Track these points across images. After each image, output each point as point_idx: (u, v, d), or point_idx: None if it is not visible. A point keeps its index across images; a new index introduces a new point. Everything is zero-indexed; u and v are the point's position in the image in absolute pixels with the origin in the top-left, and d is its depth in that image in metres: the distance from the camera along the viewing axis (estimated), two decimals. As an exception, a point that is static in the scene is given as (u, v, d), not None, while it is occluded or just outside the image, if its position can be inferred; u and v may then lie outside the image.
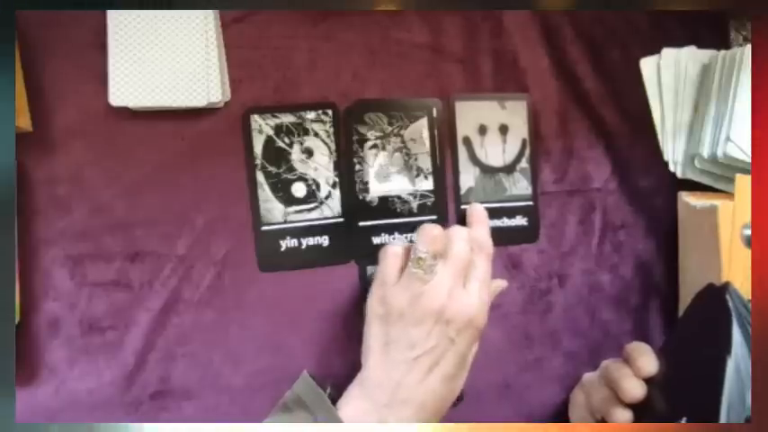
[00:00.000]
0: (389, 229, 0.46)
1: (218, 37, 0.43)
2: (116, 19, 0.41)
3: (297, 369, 0.45)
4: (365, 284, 0.46)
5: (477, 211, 0.44)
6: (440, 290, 0.37)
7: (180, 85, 0.42)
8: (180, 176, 0.44)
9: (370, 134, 0.46)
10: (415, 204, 0.47)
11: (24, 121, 0.40)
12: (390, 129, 0.46)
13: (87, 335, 0.42)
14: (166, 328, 0.43)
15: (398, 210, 0.46)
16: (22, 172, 0.41)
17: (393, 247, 0.40)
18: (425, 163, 0.47)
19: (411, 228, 0.47)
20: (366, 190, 0.46)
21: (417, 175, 0.47)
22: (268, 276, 0.45)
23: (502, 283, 0.44)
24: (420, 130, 0.47)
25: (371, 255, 0.46)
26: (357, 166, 0.46)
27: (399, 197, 0.47)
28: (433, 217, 0.47)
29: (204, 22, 0.42)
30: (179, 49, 0.42)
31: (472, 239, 0.40)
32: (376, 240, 0.46)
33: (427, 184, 0.47)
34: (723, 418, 0.32)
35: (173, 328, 0.43)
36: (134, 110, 0.42)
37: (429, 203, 0.47)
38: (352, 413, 0.36)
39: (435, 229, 0.38)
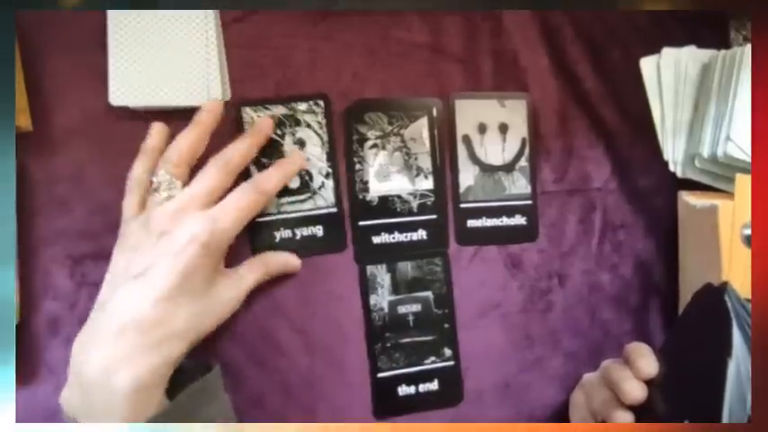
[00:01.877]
0: (390, 229, 0.46)
1: (218, 37, 0.43)
2: (116, 19, 0.41)
3: (296, 369, 0.45)
4: (365, 283, 0.46)
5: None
6: (166, 211, 0.36)
7: (180, 84, 0.42)
8: (180, 176, 0.44)
9: (370, 134, 0.46)
10: (415, 204, 0.47)
11: (24, 121, 0.40)
12: (390, 128, 0.46)
13: (87, 335, 0.42)
14: (166, 328, 0.43)
15: (398, 209, 0.46)
16: (22, 172, 0.41)
17: (130, 176, 0.39)
18: (425, 162, 0.47)
19: (412, 227, 0.47)
20: (366, 189, 0.46)
21: (417, 175, 0.47)
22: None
23: (290, 259, 0.43)
24: (420, 130, 0.47)
25: (372, 254, 0.46)
26: (357, 166, 0.46)
27: (399, 197, 0.47)
28: (434, 216, 0.47)
29: (204, 22, 0.42)
30: (179, 49, 0.42)
31: (234, 163, 0.39)
32: (376, 240, 0.46)
33: (427, 184, 0.47)
34: (725, 420, 0.32)
35: (173, 328, 0.43)
36: (134, 110, 0.42)
37: (429, 203, 0.47)
38: (62, 398, 0.35)
39: (179, 151, 0.38)
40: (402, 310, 0.46)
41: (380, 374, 0.46)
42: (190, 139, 0.39)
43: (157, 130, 0.40)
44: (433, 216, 0.47)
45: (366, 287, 0.46)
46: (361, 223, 0.46)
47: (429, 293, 0.47)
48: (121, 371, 0.32)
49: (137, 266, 0.35)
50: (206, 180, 0.37)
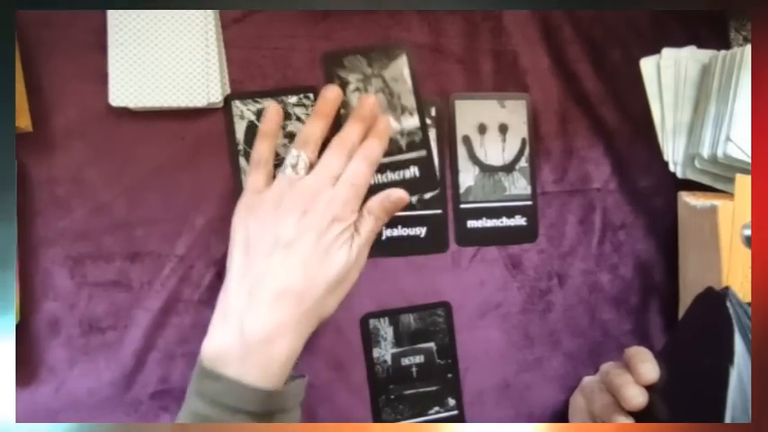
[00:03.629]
0: (380, 169, 0.46)
1: (218, 37, 0.43)
2: (116, 19, 0.41)
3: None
4: (368, 337, 0.46)
5: (367, 110, 0.42)
6: (304, 190, 0.39)
7: (180, 85, 0.42)
8: (180, 176, 0.44)
9: (351, 77, 0.46)
10: (403, 142, 0.47)
11: (24, 121, 0.40)
12: (371, 71, 0.46)
13: (87, 335, 0.42)
14: (166, 328, 0.43)
15: (388, 149, 0.45)
16: (22, 172, 0.41)
17: (257, 155, 0.41)
18: (409, 101, 0.47)
19: (401, 165, 0.47)
20: None
21: (402, 114, 0.47)
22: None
23: (400, 193, 0.42)
24: (400, 69, 0.47)
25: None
26: (341, 111, 0.45)
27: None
28: (423, 152, 0.47)
29: (204, 22, 0.42)
30: (179, 49, 0.42)
31: (352, 144, 0.41)
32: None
33: (413, 122, 0.47)
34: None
35: (172, 328, 0.43)
36: (134, 110, 0.42)
37: (417, 140, 0.47)
38: (212, 346, 0.36)
39: (313, 136, 0.41)
40: (405, 361, 0.46)
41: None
42: (319, 126, 0.42)
43: (275, 111, 0.42)
44: (423, 152, 0.47)
45: (369, 341, 0.46)
46: None
47: (432, 344, 0.47)
48: (281, 339, 0.36)
49: (283, 238, 0.38)
50: (332, 163, 0.40)
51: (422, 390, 0.46)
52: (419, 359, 0.46)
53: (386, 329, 0.46)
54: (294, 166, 0.40)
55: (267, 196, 0.40)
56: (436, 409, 0.47)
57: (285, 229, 0.38)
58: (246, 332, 0.36)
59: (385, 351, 0.46)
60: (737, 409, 0.32)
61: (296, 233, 0.38)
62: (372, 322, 0.46)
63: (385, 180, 0.46)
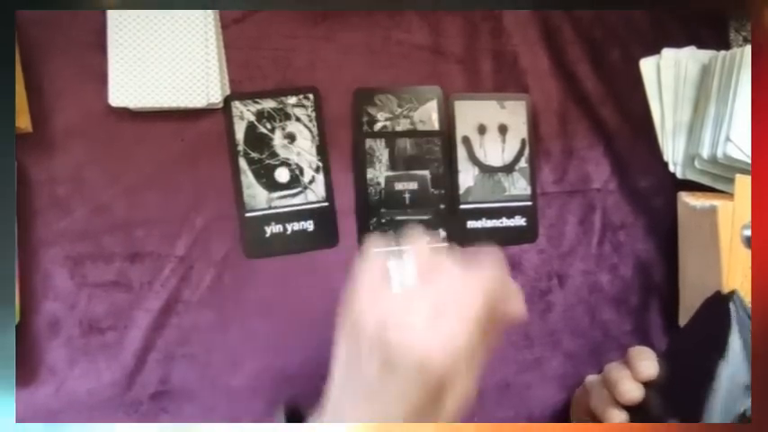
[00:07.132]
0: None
1: (218, 37, 0.43)
2: (116, 19, 0.41)
3: (296, 370, 0.45)
4: (363, 156, 0.45)
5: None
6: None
7: (180, 85, 0.42)
8: (180, 176, 0.44)
9: (380, 115, 0.46)
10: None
11: (24, 121, 0.40)
12: (400, 111, 0.46)
13: (87, 335, 0.42)
14: (166, 329, 0.43)
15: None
16: (22, 172, 0.41)
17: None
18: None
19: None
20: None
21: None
22: (268, 277, 0.45)
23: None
24: (429, 113, 0.47)
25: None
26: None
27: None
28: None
29: (204, 22, 0.42)
30: (179, 49, 0.42)
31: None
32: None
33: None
34: (706, 419, 0.32)
35: (172, 329, 0.43)
36: (134, 110, 0.42)
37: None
38: None
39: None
40: (399, 186, 0.46)
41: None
42: None
43: None
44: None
45: (363, 160, 0.45)
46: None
47: (426, 172, 0.46)
48: None
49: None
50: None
51: (413, 217, 0.46)
52: (413, 186, 0.46)
53: (382, 151, 0.46)
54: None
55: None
56: (427, 240, 0.44)
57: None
58: None
59: (379, 173, 0.46)
60: (726, 405, 0.32)
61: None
62: (369, 142, 0.46)
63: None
